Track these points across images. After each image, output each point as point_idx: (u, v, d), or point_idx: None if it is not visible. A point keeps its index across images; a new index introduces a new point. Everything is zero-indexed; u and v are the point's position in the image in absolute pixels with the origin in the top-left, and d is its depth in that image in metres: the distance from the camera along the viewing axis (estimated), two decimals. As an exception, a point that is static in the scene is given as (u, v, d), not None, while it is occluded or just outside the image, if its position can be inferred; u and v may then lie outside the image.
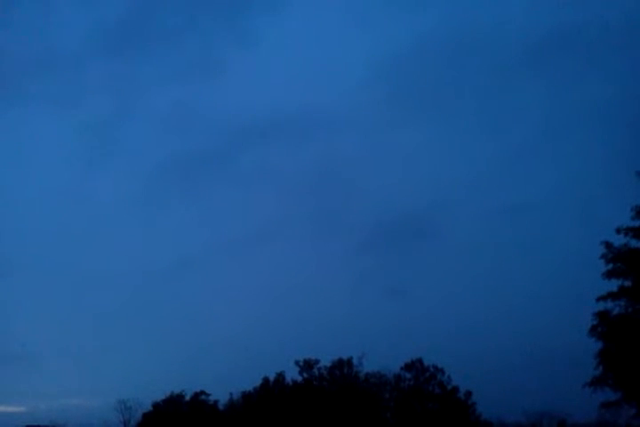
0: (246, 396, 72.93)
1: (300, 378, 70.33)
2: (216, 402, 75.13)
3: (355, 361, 68.85)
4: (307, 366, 69.94)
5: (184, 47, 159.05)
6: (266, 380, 71.31)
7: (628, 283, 32.70)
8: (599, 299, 32.93)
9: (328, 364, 69.86)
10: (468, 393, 65.37)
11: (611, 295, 32.70)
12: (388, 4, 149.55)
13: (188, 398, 74.73)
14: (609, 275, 32.85)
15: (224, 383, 75.28)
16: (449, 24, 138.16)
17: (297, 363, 69.95)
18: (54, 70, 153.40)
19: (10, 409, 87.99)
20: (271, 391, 70.60)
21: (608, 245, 32.84)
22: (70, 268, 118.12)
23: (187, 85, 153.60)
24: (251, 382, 72.32)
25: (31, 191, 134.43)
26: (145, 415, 74.85)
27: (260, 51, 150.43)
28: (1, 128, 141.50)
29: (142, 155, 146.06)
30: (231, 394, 74.59)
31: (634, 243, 32.72)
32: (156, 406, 74.30)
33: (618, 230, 32.79)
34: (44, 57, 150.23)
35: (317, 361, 70.08)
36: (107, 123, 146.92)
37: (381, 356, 69.00)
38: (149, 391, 74.66)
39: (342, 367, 69.45)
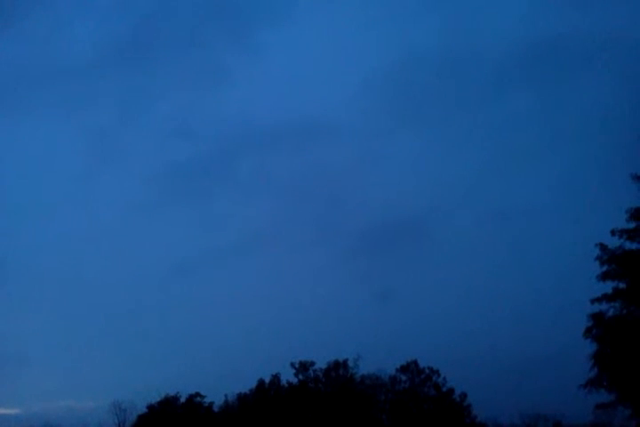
0: (241, 398, 72.80)
1: (295, 380, 70.41)
2: (211, 404, 74.96)
3: (350, 363, 68.98)
4: (302, 367, 69.90)
5: (188, 57, 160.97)
6: (261, 382, 71.21)
7: (622, 285, 32.74)
8: (594, 301, 32.93)
9: (323, 366, 70.00)
10: (464, 395, 65.50)
11: (605, 297, 32.71)
12: (385, 17, 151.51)
13: (182, 399, 74.52)
14: (604, 277, 32.87)
15: (219, 385, 75.30)
16: (443, 35, 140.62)
17: (292, 365, 69.98)
18: (61, 80, 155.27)
19: (4, 411, 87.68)
20: (266, 393, 70.51)
21: (603, 247, 32.89)
22: (67, 271, 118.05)
23: (189, 94, 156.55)
24: (246, 383, 72.39)
25: (35, 196, 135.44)
26: (140, 417, 74.57)
27: (261, 61, 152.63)
28: (9, 135, 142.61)
29: (144, 161, 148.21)
30: (226, 396, 74.57)
31: (628, 245, 32.81)
32: (150, 407, 74.05)
33: (612, 232, 32.84)
34: (52, 67, 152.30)
35: (313, 363, 70.09)
36: (110, 130, 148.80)
37: (377, 358, 69.21)
38: (144, 393, 74.48)
39: (338, 369, 69.44)
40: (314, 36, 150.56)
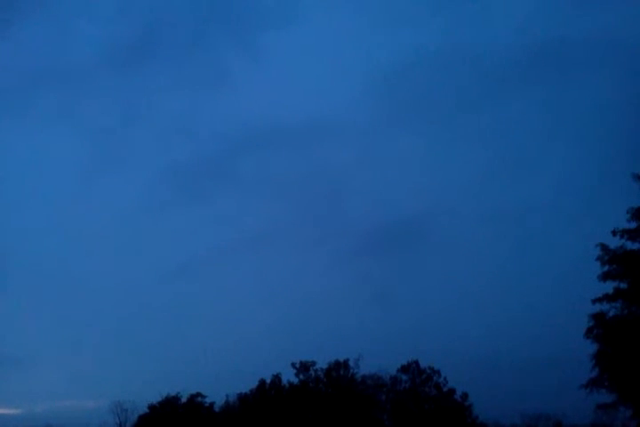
0: (242, 398, 72.72)
1: (296, 380, 70.30)
2: (212, 404, 74.90)
3: (351, 363, 68.88)
4: (303, 367, 69.84)
5: (191, 59, 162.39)
6: (262, 382, 71.13)
7: (623, 285, 32.72)
8: (595, 301, 32.92)
9: (324, 366, 69.89)
10: (465, 395, 65.29)
11: (606, 297, 32.70)
12: (387, 19, 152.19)
13: (184, 399, 74.45)
14: (605, 277, 32.87)
15: (220, 385, 75.35)
16: (445, 37, 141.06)
17: (293, 365, 69.89)
18: (64, 80, 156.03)
19: (6, 411, 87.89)
20: (267, 393, 70.44)
21: (604, 247, 32.86)
22: (68, 271, 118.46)
23: (192, 95, 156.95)
24: (247, 383, 72.31)
25: (37, 196, 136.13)
26: (141, 417, 74.59)
27: (263, 62, 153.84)
28: (12, 137, 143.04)
29: (147, 161, 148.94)
30: (227, 396, 74.58)
31: (629, 245, 32.78)
32: (151, 407, 74.03)
33: (614, 232, 32.82)
34: (55, 68, 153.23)
35: (314, 363, 70.02)
36: (113, 130, 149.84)
37: (378, 358, 69.11)
38: (145, 393, 74.61)
39: (339, 369, 69.37)
40: (315, 38, 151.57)
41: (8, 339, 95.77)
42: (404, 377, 67.20)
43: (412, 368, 66.93)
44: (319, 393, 68.40)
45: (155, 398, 73.77)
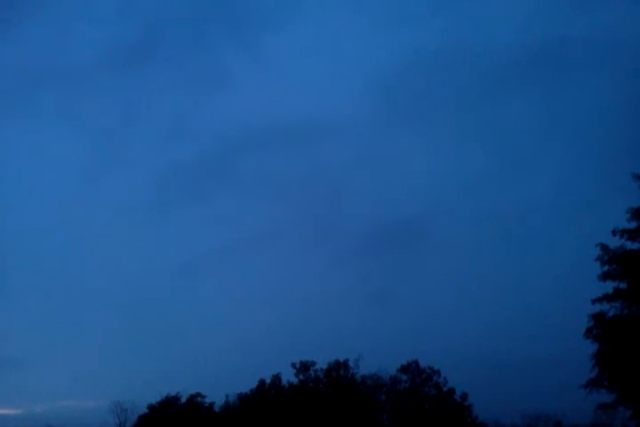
0: (242, 398, 72.73)
1: (296, 380, 70.28)
2: (212, 404, 74.92)
3: (351, 363, 68.87)
4: (303, 367, 69.80)
5: (191, 59, 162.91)
6: (262, 382, 71.14)
7: (623, 285, 32.69)
8: (595, 301, 32.89)
9: (324, 366, 69.85)
10: (465, 395, 65.25)
11: (606, 297, 32.66)
12: (387, 19, 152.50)
13: (183, 399, 74.48)
14: (604, 277, 32.83)
15: (220, 385, 75.35)
16: (445, 37, 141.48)
17: (293, 365, 69.86)
18: (65, 81, 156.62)
19: (6, 412, 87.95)
20: (267, 393, 70.43)
21: (604, 246, 32.82)
22: (68, 271, 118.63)
23: (192, 95, 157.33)
24: (247, 383, 72.34)
25: (39, 197, 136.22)
26: (140, 417, 74.59)
27: (263, 63, 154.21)
28: (12, 136, 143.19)
29: (147, 162, 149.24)
30: (227, 396, 74.60)
31: (629, 245, 32.75)
32: (151, 408, 74.03)
33: (614, 232, 32.78)
34: (56, 68, 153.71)
35: (314, 363, 69.98)
36: (113, 131, 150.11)
37: (377, 358, 69.12)
38: (145, 393, 74.61)
39: (338, 369, 69.33)
40: (315, 38, 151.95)
41: (8, 339, 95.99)
42: (404, 377, 67.19)
43: (411, 368, 66.89)
44: (319, 393, 68.36)
45: (155, 398, 73.95)
